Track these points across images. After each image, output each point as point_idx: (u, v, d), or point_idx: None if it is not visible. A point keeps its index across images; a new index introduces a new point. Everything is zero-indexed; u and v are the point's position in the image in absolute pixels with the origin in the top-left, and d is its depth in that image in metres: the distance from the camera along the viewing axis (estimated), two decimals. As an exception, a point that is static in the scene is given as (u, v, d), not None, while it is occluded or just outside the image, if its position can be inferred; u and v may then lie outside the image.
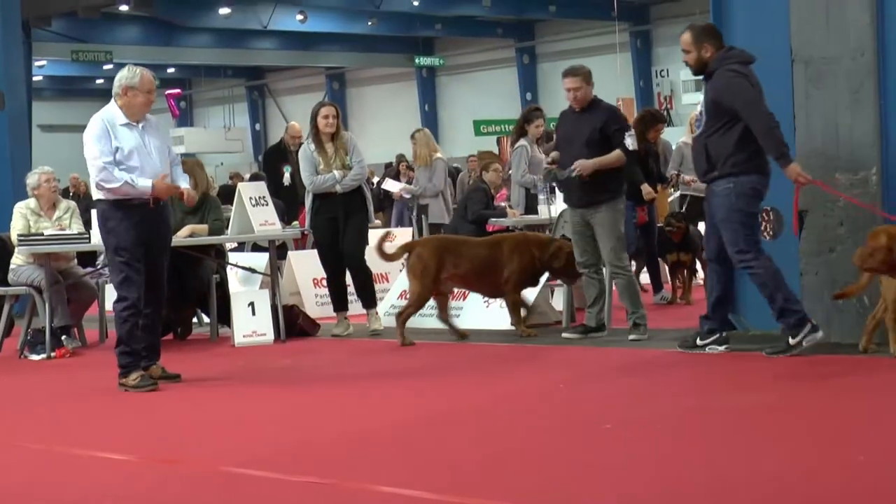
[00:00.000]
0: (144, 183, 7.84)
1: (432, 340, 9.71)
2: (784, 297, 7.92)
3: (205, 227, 10.25)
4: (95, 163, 7.85)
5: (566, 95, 9.27)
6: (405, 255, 9.78)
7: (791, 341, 7.86)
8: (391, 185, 16.73)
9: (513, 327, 9.77)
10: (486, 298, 10.40)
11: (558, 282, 10.35)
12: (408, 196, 15.82)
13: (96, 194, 8.01)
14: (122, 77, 8.01)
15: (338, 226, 10.22)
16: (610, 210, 9.17)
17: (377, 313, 10.35)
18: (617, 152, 9.12)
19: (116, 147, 7.87)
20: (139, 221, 7.88)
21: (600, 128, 9.13)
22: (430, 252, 9.59)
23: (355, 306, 10.64)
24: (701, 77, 8.28)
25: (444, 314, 9.82)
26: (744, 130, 7.90)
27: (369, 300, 10.36)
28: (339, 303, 10.40)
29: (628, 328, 9.12)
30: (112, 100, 8.03)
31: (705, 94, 8.17)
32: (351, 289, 10.57)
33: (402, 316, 9.58)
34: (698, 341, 8.26)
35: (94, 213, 10.06)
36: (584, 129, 9.16)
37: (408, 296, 10.89)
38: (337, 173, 10.12)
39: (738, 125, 7.92)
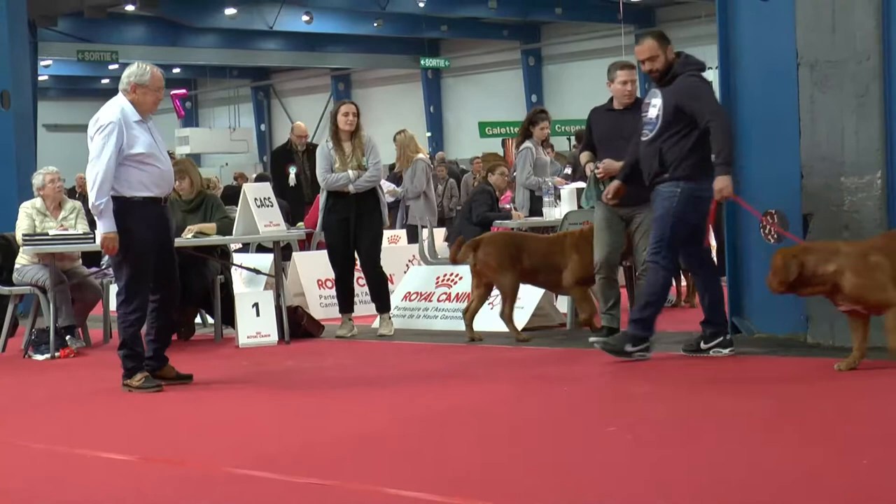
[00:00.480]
0: (108, 224, 7.65)
1: (437, 342, 9.71)
2: (653, 313, 8.15)
3: (213, 225, 10.25)
4: (98, 165, 7.67)
5: (617, 90, 8.86)
6: (470, 255, 9.67)
7: (627, 348, 8.12)
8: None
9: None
10: (490, 300, 10.40)
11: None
12: (391, 199, 15.82)
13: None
14: (132, 74, 7.90)
15: (349, 227, 10.20)
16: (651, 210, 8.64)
17: (390, 318, 10.31)
18: None
19: (131, 150, 7.70)
20: (150, 220, 7.83)
21: None
22: (500, 246, 9.53)
23: (359, 308, 10.64)
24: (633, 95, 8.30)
25: (473, 313, 9.68)
26: (698, 138, 7.99)
27: (384, 304, 10.33)
28: (346, 304, 10.38)
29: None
30: (120, 94, 7.89)
31: (665, 100, 8.08)
32: (357, 290, 10.57)
33: (506, 314, 9.55)
34: (702, 345, 8.26)
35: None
36: (629, 126, 8.67)
37: (412, 297, 10.93)
38: (351, 173, 10.10)
39: (694, 132, 8.01)
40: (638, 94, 9.01)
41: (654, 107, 8.17)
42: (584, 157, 9.24)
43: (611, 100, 9.08)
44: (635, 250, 8.98)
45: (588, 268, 9.29)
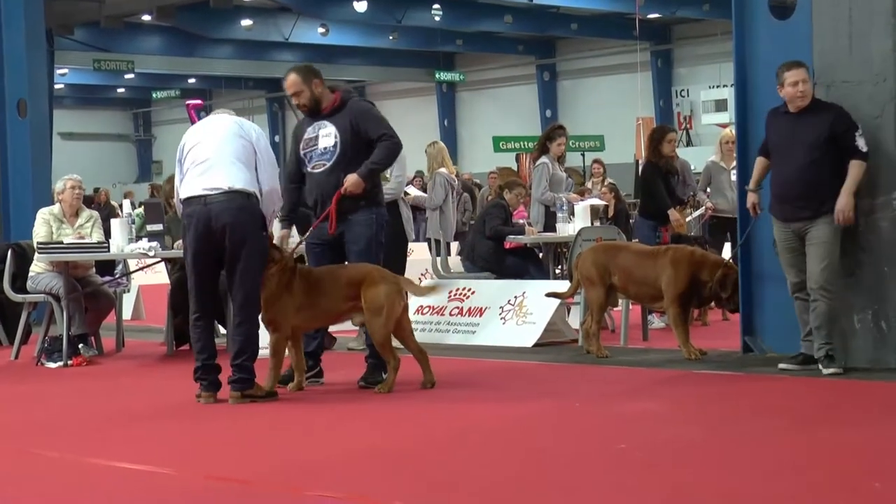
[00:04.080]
0: (277, 225, 8.12)
1: (448, 356, 9.71)
2: None
3: None
4: (277, 173, 7.99)
5: (789, 93, 8.06)
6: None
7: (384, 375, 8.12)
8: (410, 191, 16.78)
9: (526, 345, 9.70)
10: (502, 315, 10.39)
11: (576, 299, 10.31)
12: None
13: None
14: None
15: None
16: (829, 224, 8.05)
17: None
18: (856, 164, 8.00)
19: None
20: None
21: (829, 128, 8.02)
22: (592, 259, 9.32)
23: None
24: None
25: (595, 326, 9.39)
26: None
27: None
28: None
29: (820, 359, 8.12)
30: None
31: (339, 125, 8.15)
32: None
33: (586, 329, 9.37)
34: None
35: (116, 223, 10.13)
36: (807, 131, 8.06)
37: (424, 311, 10.92)
38: None
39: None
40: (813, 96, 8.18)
41: (328, 136, 8.20)
42: (758, 165, 8.51)
43: (785, 103, 8.28)
44: (810, 267, 8.13)
45: (680, 286, 8.94)
